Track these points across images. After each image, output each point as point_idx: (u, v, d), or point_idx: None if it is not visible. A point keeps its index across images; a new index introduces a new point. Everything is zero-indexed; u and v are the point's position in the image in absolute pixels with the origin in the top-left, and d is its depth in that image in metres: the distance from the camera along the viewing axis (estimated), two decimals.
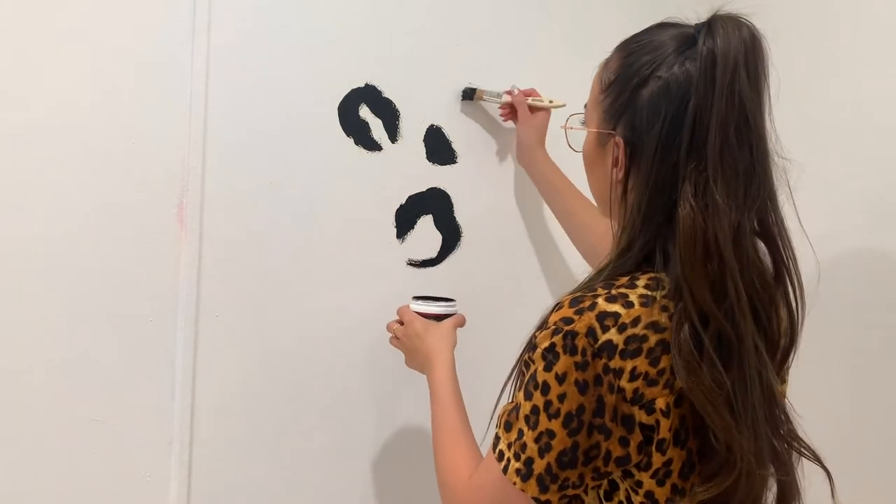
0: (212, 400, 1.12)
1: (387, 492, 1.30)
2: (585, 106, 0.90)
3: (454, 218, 1.35)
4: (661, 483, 0.76)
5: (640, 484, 0.76)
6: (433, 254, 1.33)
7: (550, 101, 1.34)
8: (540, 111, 1.34)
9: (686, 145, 0.75)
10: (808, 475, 0.82)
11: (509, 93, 1.35)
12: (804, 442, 0.81)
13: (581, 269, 1.50)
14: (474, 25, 1.36)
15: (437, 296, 1.16)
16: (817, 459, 0.82)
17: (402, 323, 1.14)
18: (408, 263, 1.30)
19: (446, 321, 1.11)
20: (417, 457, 1.33)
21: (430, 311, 1.12)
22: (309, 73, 1.19)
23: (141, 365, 1.07)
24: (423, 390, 1.30)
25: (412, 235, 1.30)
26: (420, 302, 1.14)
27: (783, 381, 0.84)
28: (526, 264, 1.44)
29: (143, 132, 1.06)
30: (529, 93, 1.35)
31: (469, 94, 1.35)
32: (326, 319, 1.22)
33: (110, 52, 1.03)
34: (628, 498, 0.77)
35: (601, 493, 0.79)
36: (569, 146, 0.94)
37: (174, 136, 1.08)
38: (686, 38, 0.79)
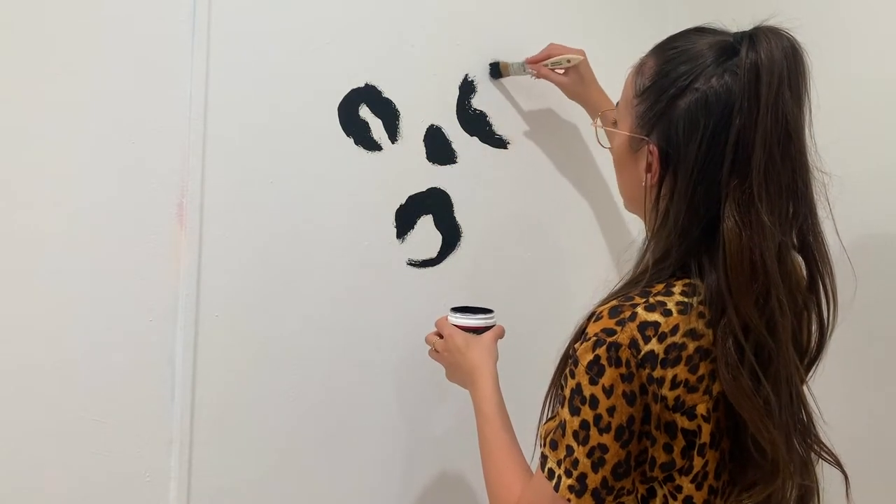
0: (212, 400, 1.12)
1: (386, 492, 1.30)
2: (617, 105, 0.89)
3: (454, 218, 1.35)
4: (699, 487, 0.77)
5: (679, 489, 0.77)
6: (433, 254, 1.33)
7: (568, 61, 1.30)
8: (570, 68, 1.31)
9: (729, 162, 0.75)
10: (824, 477, 0.83)
11: (531, 64, 1.34)
12: (826, 447, 0.82)
13: (580, 269, 1.51)
14: (474, 25, 1.36)
15: (475, 306, 1.15)
16: (838, 464, 0.82)
17: (441, 336, 1.13)
18: (408, 263, 1.30)
19: (487, 334, 1.09)
20: (416, 456, 1.33)
21: (469, 325, 1.11)
22: (309, 73, 1.19)
23: (141, 365, 1.07)
24: (422, 388, 1.31)
25: (412, 235, 1.30)
26: (459, 315, 1.12)
27: None
28: (526, 264, 1.44)
29: (143, 132, 1.06)
30: (545, 55, 1.31)
31: (496, 72, 1.36)
32: (326, 319, 1.22)
33: (110, 52, 1.03)
34: (666, 503, 0.78)
35: (639, 497, 0.79)
36: (598, 142, 0.95)
37: (174, 136, 1.08)
38: (725, 48, 0.78)
